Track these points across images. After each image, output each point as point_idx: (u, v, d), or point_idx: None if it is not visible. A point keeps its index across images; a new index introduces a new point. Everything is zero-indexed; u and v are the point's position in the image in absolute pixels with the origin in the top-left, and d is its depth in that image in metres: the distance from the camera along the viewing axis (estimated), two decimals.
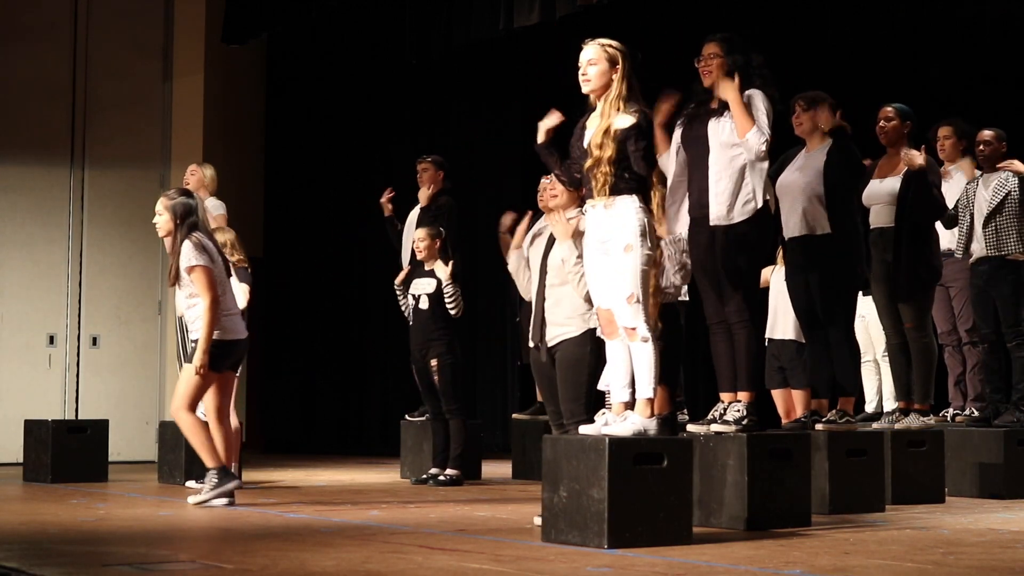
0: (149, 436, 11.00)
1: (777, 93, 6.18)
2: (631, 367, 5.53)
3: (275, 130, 13.62)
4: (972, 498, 7.44)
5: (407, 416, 9.53)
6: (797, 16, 11.11)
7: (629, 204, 5.49)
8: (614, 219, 5.50)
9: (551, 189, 6.48)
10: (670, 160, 6.30)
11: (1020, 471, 7.51)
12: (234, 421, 7.83)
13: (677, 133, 6.30)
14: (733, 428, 5.93)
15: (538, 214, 7.17)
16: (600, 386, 6.07)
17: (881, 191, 7.53)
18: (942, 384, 8.22)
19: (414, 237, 8.86)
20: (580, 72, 5.63)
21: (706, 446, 5.88)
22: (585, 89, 5.65)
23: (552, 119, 5.73)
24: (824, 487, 6.46)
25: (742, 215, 6.06)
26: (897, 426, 7.39)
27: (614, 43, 5.62)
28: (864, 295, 7.62)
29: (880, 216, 7.56)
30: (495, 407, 12.90)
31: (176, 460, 8.43)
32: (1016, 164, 7.88)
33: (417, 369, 8.75)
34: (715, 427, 5.99)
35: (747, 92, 6.07)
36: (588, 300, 6.01)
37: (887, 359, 8.20)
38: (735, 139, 6.03)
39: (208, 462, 7.04)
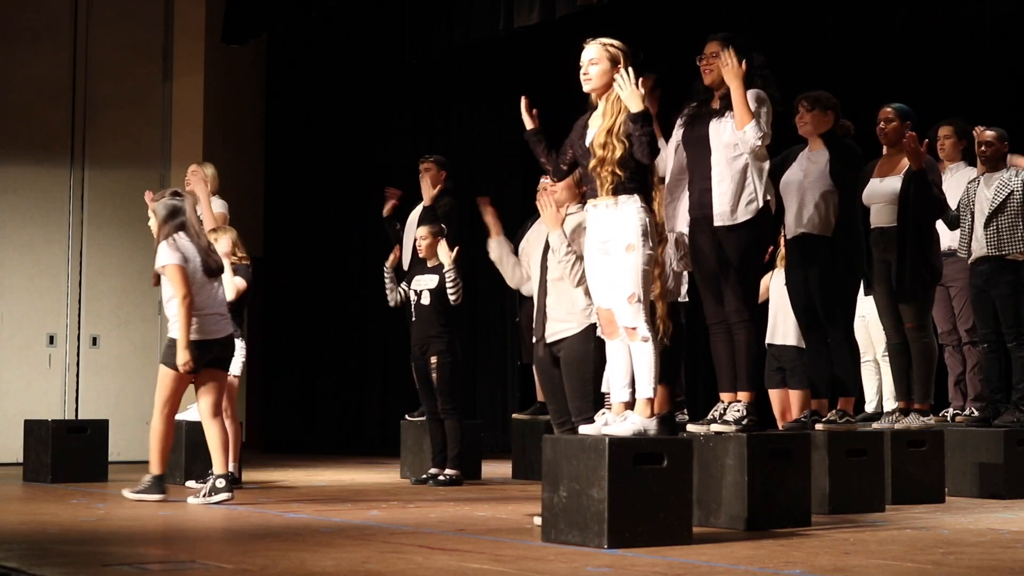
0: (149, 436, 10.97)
1: (778, 93, 6.18)
2: (631, 367, 5.53)
3: (275, 130, 13.61)
4: (972, 498, 7.44)
5: (407, 416, 9.53)
6: (797, 16, 11.11)
7: (631, 204, 5.50)
8: (616, 219, 5.51)
9: (551, 188, 6.48)
10: (668, 157, 6.31)
11: (1020, 471, 7.51)
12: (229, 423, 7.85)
13: (677, 132, 6.30)
14: (733, 428, 5.93)
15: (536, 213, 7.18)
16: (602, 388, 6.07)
17: (882, 191, 7.53)
18: (942, 384, 8.22)
19: (416, 235, 8.87)
20: (581, 71, 5.66)
21: (706, 446, 5.88)
22: (586, 88, 5.68)
23: (523, 106, 5.79)
24: (824, 487, 6.46)
25: (745, 215, 6.06)
26: (897, 426, 7.39)
27: (616, 42, 5.65)
28: (865, 295, 7.61)
29: (881, 216, 7.55)
30: (495, 407, 12.91)
31: (176, 460, 8.42)
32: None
33: (416, 366, 8.75)
34: (715, 427, 5.99)
35: (748, 92, 6.07)
36: (586, 292, 6.01)
37: (887, 359, 8.19)
38: (736, 139, 6.03)
39: (151, 467, 7.22)
